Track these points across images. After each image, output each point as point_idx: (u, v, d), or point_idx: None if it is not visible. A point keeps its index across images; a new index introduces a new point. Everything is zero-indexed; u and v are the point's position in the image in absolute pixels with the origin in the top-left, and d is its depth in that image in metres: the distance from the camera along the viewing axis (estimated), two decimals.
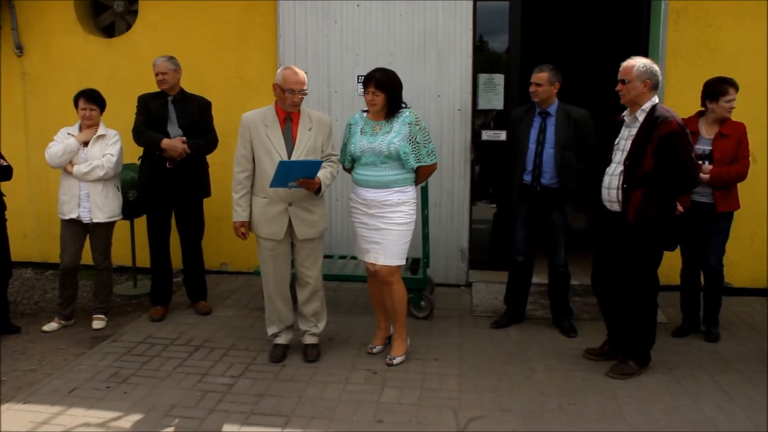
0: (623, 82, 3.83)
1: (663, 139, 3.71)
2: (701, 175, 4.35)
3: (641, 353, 4.04)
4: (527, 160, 4.63)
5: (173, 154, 4.82)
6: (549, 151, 4.57)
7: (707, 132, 4.46)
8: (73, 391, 3.87)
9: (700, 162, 4.40)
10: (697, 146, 4.44)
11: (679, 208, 3.99)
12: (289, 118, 4.10)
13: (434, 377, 4.03)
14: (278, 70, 4.09)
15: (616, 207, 3.90)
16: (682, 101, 5.39)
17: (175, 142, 4.82)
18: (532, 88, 4.57)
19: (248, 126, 4.09)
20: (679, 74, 5.49)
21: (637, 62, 3.82)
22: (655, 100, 3.83)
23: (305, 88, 4.06)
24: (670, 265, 5.47)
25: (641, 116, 3.82)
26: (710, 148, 4.43)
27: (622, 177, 3.86)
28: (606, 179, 3.97)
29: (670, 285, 5.52)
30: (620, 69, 3.87)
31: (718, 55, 5.44)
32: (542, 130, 4.59)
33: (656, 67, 3.83)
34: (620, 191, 3.86)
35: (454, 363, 4.24)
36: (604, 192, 3.97)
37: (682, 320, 4.77)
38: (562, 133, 4.54)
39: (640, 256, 3.89)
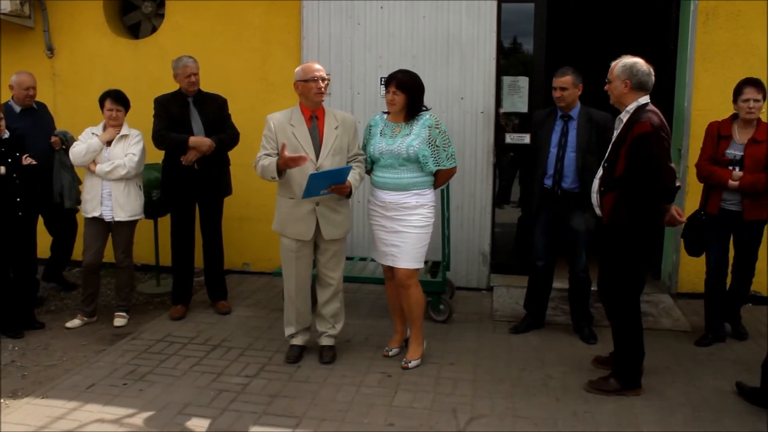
0: (608, 81, 3.71)
1: (635, 140, 3.55)
2: (730, 182, 4.25)
3: (624, 371, 3.82)
4: (548, 164, 4.57)
5: (202, 149, 4.85)
6: (570, 155, 4.50)
7: (740, 136, 4.34)
8: (91, 388, 3.92)
9: (730, 168, 4.30)
10: (728, 151, 4.34)
11: (677, 217, 3.77)
12: (314, 117, 4.10)
13: (448, 381, 3.99)
14: (296, 69, 4.11)
15: (598, 210, 3.84)
16: (710, 104, 5.30)
17: (200, 139, 4.86)
18: (557, 93, 4.48)
19: (274, 126, 4.07)
20: (709, 77, 5.36)
21: (621, 61, 3.68)
22: (642, 100, 3.65)
23: (326, 75, 4.07)
24: (696, 272, 5.39)
25: (625, 117, 3.68)
26: (742, 153, 4.31)
27: (599, 179, 3.79)
28: (594, 182, 3.89)
29: (695, 293, 5.42)
30: None
31: (749, 57, 5.29)
32: (564, 134, 4.52)
33: (642, 67, 3.64)
34: (598, 194, 3.80)
35: (469, 368, 4.19)
36: (592, 195, 3.89)
37: (705, 329, 4.65)
38: (584, 137, 4.47)
39: (614, 260, 3.78)
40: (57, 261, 5.74)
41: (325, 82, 4.06)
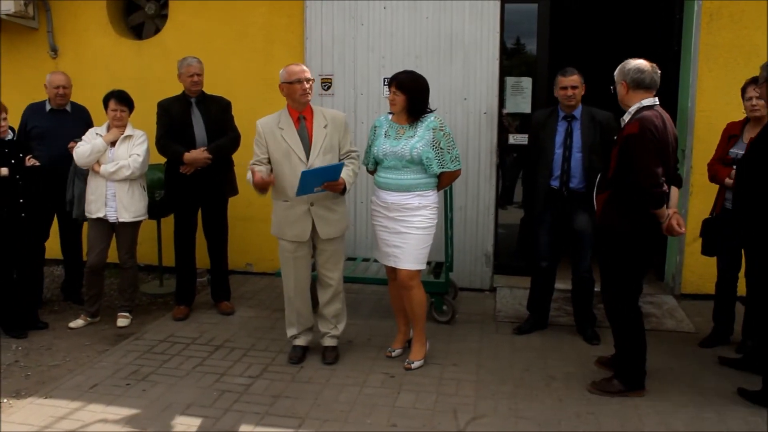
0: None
1: (623, 141, 3.55)
2: (726, 180, 4.24)
3: (625, 373, 3.81)
4: (554, 166, 4.54)
5: (198, 164, 4.89)
6: (577, 155, 4.49)
7: (747, 136, 4.33)
8: (94, 388, 3.93)
9: (734, 167, 4.28)
10: (732, 150, 4.33)
11: (676, 227, 3.62)
12: (302, 118, 4.11)
13: (451, 382, 3.99)
14: (280, 72, 4.12)
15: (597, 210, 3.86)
16: (714, 105, 5.29)
17: (196, 154, 4.88)
18: (569, 92, 4.45)
19: (263, 132, 4.11)
20: (712, 78, 5.35)
21: (624, 63, 3.68)
22: (646, 102, 3.60)
23: (310, 76, 4.09)
24: (701, 273, 5.39)
25: (627, 118, 3.67)
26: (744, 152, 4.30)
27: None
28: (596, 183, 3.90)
29: (699, 294, 5.41)
30: None
31: (753, 58, 5.27)
32: (569, 134, 4.51)
33: (633, 65, 3.62)
34: (594, 193, 3.82)
35: (472, 368, 4.19)
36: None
37: (711, 330, 4.63)
38: (588, 137, 4.46)
39: (607, 262, 3.79)
40: (72, 277, 5.63)
41: (310, 83, 4.08)
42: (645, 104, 3.61)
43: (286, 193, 4.08)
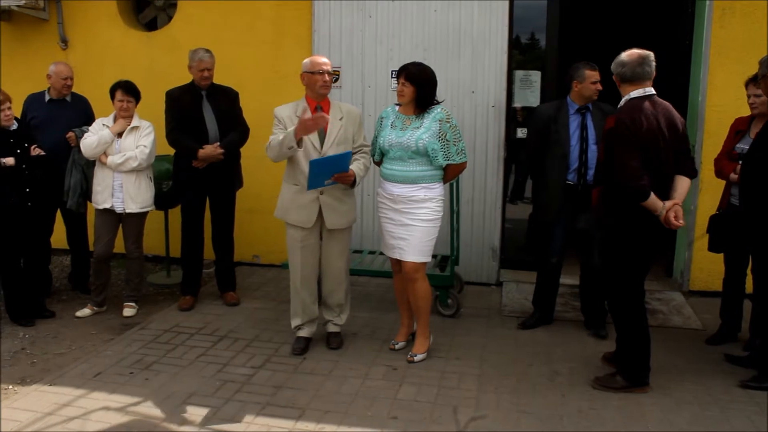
0: None
1: (605, 135, 3.55)
2: (731, 175, 4.20)
3: (628, 369, 3.78)
4: (571, 159, 4.48)
5: (211, 160, 4.90)
6: (593, 146, 4.45)
7: (753, 132, 4.29)
8: (98, 376, 3.96)
9: (739, 162, 4.24)
10: (738, 145, 4.29)
11: (673, 220, 3.53)
12: (319, 108, 4.13)
13: (454, 376, 3.98)
14: (304, 61, 4.14)
15: None
16: (725, 100, 5.23)
17: (210, 150, 4.88)
18: (598, 86, 4.45)
19: (282, 118, 4.14)
20: (724, 73, 5.28)
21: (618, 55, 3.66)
22: (635, 93, 3.55)
23: (332, 69, 4.16)
24: (710, 270, 5.34)
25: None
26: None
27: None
28: None
29: (708, 291, 5.36)
30: None
31: (765, 52, 5.18)
32: (584, 127, 4.48)
33: (619, 58, 3.60)
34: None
35: (475, 362, 4.17)
36: None
37: (719, 327, 4.59)
38: (601, 129, 4.43)
39: (605, 256, 3.78)
40: (78, 266, 5.66)
41: (331, 77, 4.13)
42: (633, 96, 3.57)
43: (298, 177, 4.10)
